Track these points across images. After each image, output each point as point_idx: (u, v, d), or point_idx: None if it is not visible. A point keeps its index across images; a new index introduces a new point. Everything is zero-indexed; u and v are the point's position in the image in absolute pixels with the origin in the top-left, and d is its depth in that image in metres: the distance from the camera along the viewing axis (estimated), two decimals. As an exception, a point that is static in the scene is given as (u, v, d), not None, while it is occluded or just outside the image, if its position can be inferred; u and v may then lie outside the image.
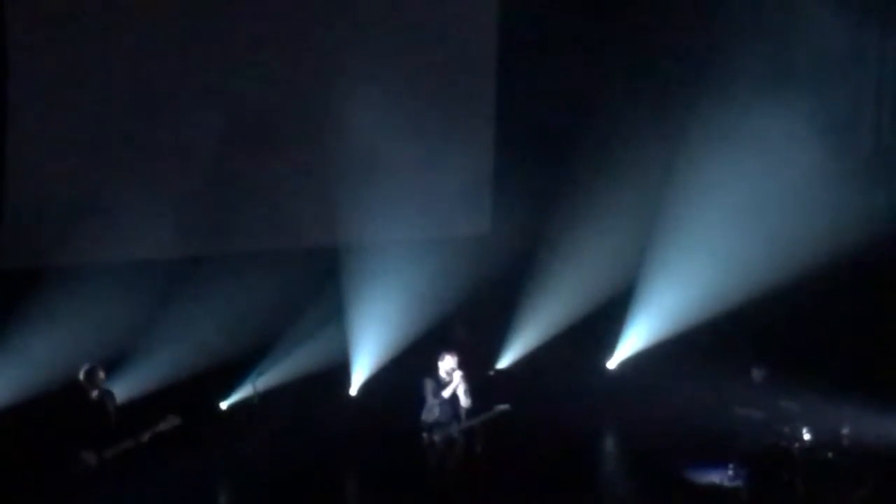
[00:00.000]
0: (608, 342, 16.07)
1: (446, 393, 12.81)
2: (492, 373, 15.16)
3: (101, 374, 11.85)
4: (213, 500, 13.21)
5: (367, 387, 15.00)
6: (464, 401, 12.87)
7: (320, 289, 14.84)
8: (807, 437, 13.07)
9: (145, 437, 11.64)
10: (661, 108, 15.89)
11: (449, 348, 13.09)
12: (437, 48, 15.79)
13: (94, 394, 11.76)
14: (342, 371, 14.99)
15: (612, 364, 16.06)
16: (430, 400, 12.88)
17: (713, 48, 15.90)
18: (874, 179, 16.36)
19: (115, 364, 13.05)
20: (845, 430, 13.14)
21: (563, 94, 16.10)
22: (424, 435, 12.89)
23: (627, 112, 15.98)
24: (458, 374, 12.80)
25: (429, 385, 12.92)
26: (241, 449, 13.70)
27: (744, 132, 15.70)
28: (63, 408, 11.80)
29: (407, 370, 14.10)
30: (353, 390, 15.01)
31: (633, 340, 16.03)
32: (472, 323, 15.53)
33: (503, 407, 12.92)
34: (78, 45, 13.96)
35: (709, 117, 15.51)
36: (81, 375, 11.78)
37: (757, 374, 13.85)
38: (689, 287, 15.71)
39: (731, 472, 13.08)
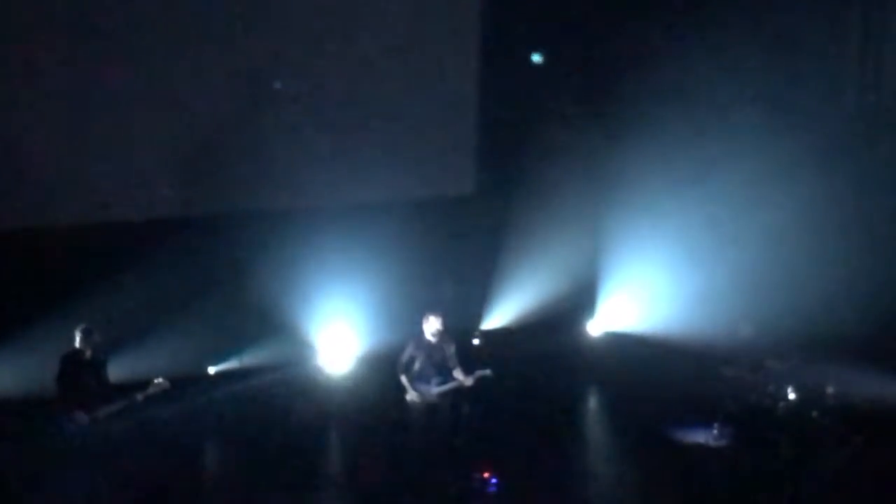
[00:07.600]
0: (591, 305, 16.09)
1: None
2: (476, 335, 15.17)
3: (97, 337, 12.02)
4: (198, 461, 13.18)
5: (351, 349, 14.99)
6: (451, 363, 12.90)
7: (302, 251, 14.80)
8: (791, 396, 13.10)
9: (135, 399, 11.90)
10: (645, 68, 15.90)
11: (434, 309, 13.06)
12: (420, 11, 15.74)
13: (87, 354, 11.96)
14: (325, 334, 14.98)
15: (595, 331, 16.07)
16: (403, 359, 12.89)
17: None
18: (858, 142, 16.44)
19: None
20: (830, 390, 13.16)
21: (549, 52, 16.11)
22: (407, 397, 12.92)
23: (613, 74, 16.01)
24: (443, 334, 12.80)
25: (409, 347, 12.93)
26: (225, 413, 13.71)
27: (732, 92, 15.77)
28: (58, 367, 11.93)
29: (392, 332, 14.11)
30: (336, 353, 14.94)
31: (615, 312, 16.06)
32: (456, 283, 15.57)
33: (483, 372, 12.93)
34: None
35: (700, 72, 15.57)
36: (77, 334, 11.96)
37: (743, 329, 13.88)
38: (676, 253, 15.74)
39: (715, 432, 13.09)
